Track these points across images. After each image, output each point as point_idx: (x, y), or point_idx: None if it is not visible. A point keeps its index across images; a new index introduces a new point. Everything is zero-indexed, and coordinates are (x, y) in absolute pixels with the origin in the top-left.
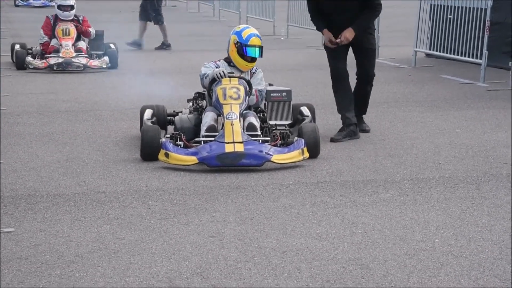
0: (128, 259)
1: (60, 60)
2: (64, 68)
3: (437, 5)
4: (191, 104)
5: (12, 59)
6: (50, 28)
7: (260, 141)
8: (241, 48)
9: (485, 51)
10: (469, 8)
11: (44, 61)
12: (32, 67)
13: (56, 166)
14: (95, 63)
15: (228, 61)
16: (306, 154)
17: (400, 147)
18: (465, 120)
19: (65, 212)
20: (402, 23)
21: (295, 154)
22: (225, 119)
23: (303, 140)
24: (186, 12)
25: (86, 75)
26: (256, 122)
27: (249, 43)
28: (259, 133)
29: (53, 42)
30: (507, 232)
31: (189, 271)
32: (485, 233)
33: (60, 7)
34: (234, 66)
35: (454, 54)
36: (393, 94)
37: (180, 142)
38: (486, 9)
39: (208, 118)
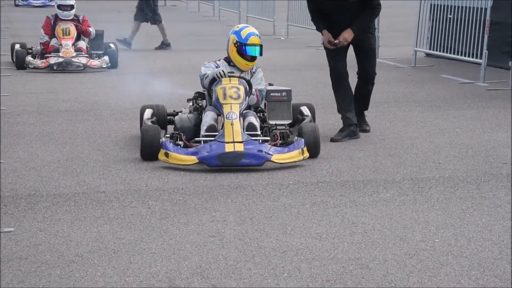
0: (128, 259)
1: (60, 59)
2: (64, 67)
3: (437, 4)
4: (191, 103)
5: (12, 59)
6: (50, 27)
7: (260, 140)
8: (241, 47)
9: (485, 51)
10: (469, 7)
11: (44, 60)
12: (32, 66)
13: (56, 166)
14: (95, 62)
15: (228, 60)
16: (306, 154)
17: (400, 147)
18: (465, 120)
19: (65, 212)
20: (402, 22)
21: (295, 154)
22: (225, 118)
23: (303, 140)
24: (186, 12)
25: (86, 75)
26: (256, 122)
27: (248, 42)
28: (259, 133)
29: (53, 41)
30: (507, 232)
31: (189, 271)
32: (485, 233)
33: (60, 6)
34: (234, 66)
35: (454, 53)
36: (393, 94)
37: (180, 142)
38: (486, 9)
39: (208, 117)
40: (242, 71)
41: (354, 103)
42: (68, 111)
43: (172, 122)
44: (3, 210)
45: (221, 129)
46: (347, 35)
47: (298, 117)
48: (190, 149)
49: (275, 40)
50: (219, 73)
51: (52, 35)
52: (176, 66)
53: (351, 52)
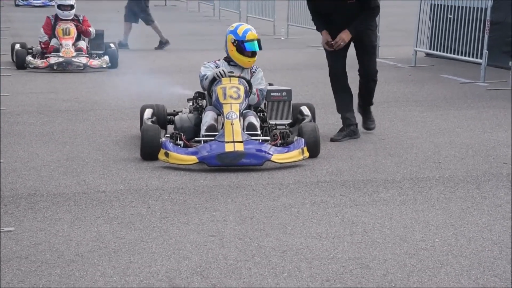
0: (128, 259)
1: (60, 59)
2: (64, 67)
3: (437, 4)
4: (191, 103)
5: (12, 59)
6: (51, 27)
7: (260, 140)
8: (240, 45)
9: (485, 51)
10: (469, 7)
11: (44, 60)
12: (32, 66)
13: (56, 166)
14: (95, 62)
15: (228, 60)
16: (306, 154)
17: (400, 146)
18: (465, 120)
19: (65, 212)
20: (402, 22)
21: (295, 154)
22: (225, 118)
23: (303, 139)
24: (186, 12)
25: (86, 75)
26: (256, 122)
27: (246, 38)
28: (259, 132)
29: (53, 41)
30: (507, 231)
31: (189, 271)
32: (485, 233)
33: (60, 6)
34: (234, 65)
35: (454, 53)
36: (393, 94)
37: (180, 142)
38: (486, 9)
39: (208, 117)
40: (243, 70)
41: (359, 98)
42: (68, 110)
43: (172, 122)
44: (3, 209)
45: (221, 129)
46: (344, 35)
47: (298, 117)
48: (190, 149)
49: (275, 40)
50: (219, 72)
51: (52, 35)
52: (176, 66)
53: (351, 52)
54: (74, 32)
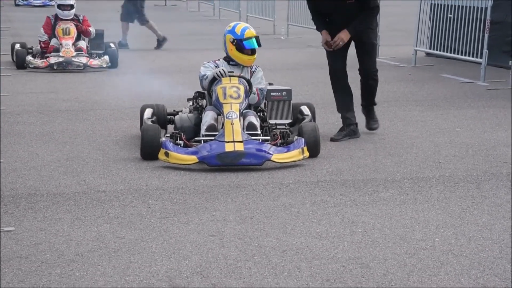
0: (128, 258)
1: (60, 59)
2: (64, 67)
3: (437, 4)
4: (191, 103)
5: (12, 59)
6: (51, 27)
7: (260, 140)
8: (239, 43)
9: (485, 50)
10: (469, 7)
11: (44, 60)
12: (32, 66)
13: (56, 165)
14: (95, 62)
15: (227, 60)
16: (306, 153)
17: (400, 146)
18: (465, 119)
19: (65, 211)
20: (402, 22)
21: (295, 153)
22: (225, 118)
23: (303, 139)
24: (186, 11)
25: (86, 74)
26: (256, 121)
27: (245, 36)
28: (259, 132)
29: (53, 41)
30: (507, 231)
31: (189, 270)
32: (485, 232)
33: (60, 6)
34: (233, 65)
35: (454, 53)
36: (393, 93)
37: (180, 141)
38: (486, 8)
39: (208, 117)
40: (242, 69)
41: (361, 99)
42: (68, 110)
43: (172, 121)
44: (4, 209)
45: (221, 128)
46: (343, 35)
47: (298, 117)
48: (190, 149)
49: (275, 40)
50: (219, 72)
51: (52, 34)
52: (176, 66)
53: (352, 52)
54: (74, 32)
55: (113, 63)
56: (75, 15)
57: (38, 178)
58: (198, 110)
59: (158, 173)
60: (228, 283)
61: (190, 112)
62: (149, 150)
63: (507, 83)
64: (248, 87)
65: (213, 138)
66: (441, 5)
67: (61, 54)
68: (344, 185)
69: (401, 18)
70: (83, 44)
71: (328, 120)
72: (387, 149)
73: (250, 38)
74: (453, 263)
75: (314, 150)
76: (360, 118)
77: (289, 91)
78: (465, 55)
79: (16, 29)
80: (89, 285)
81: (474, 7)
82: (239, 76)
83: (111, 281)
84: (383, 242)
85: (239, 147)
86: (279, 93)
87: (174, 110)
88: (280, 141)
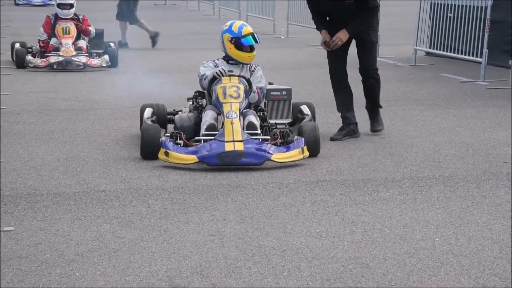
0: (128, 258)
1: (60, 58)
2: (64, 66)
3: (437, 3)
4: (191, 102)
5: (12, 58)
6: (51, 26)
7: (260, 139)
8: (238, 41)
9: (485, 50)
10: (469, 6)
11: (44, 59)
12: (32, 65)
13: (56, 165)
14: (95, 61)
15: (227, 59)
16: (306, 153)
17: (400, 145)
18: (465, 119)
19: (65, 211)
20: (402, 21)
21: (295, 153)
22: (225, 118)
23: (303, 139)
24: (186, 11)
25: (86, 74)
26: (256, 121)
27: (243, 34)
28: (259, 132)
29: (53, 41)
30: (507, 230)
31: (189, 270)
32: (485, 232)
33: (59, 5)
34: (233, 64)
35: (454, 52)
36: (393, 93)
37: (180, 141)
38: (486, 8)
39: (208, 117)
40: (242, 68)
41: (366, 101)
42: (68, 110)
43: (172, 121)
44: (3, 209)
45: (221, 128)
46: (342, 35)
47: (298, 116)
48: (190, 148)
49: (275, 39)
50: (219, 71)
51: (52, 34)
52: (176, 65)
53: (352, 52)
54: (74, 31)
55: (113, 63)
56: (75, 14)
57: (38, 178)
58: (198, 110)
59: (158, 172)
60: (228, 283)
61: (190, 111)
62: (149, 150)
63: (507, 82)
64: (248, 86)
65: (213, 137)
66: (441, 4)
67: (61, 53)
68: (344, 184)
69: (401, 17)
70: (83, 43)
71: (328, 119)
72: (387, 149)
73: (247, 35)
74: (453, 262)
75: (314, 149)
76: (360, 118)
77: (289, 91)
78: (465, 55)
79: (16, 29)
80: (89, 285)
81: (474, 7)
82: (239, 76)
83: (111, 281)
84: (383, 242)
85: (239, 146)
86: (279, 93)
87: (174, 110)
88: (280, 140)
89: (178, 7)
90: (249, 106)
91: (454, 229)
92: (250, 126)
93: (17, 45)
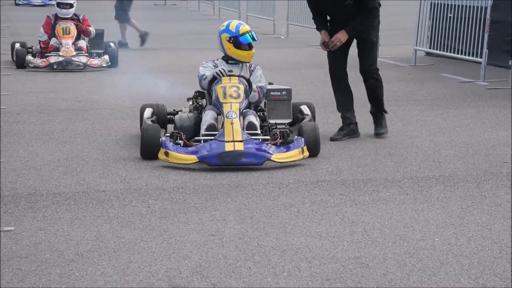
0: (128, 258)
1: (60, 59)
2: (64, 67)
3: (437, 3)
4: (191, 102)
5: (12, 58)
6: (51, 27)
7: (260, 140)
8: (236, 40)
9: (485, 50)
10: (469, 6)
11: (44, 60)
12: (32, 65)
13: (56, 165)
14: (95, 61)
15: (226, 59)
16: (306, 153)
17: (400, 145)
18: (465, 119)
19: (65, 211)
20: (402, 21)
21: (295, 153)
22: (225, 118)
23: (303, 139)
24: (186, 11)
25: (86, 74)
26: (256, 121)
27: (240, 33)
28: (259, 132)
29: (53, 41)
30: (507, 231)
31: (189, 270)
32: (485, 232)
33: (59, 4)
34: (232, 64)
35: (454, 52)
36: (393, 93)
37: (180, 141)
38: (486, 8)
39: (208, 117)
40: (242, 68)
41: (370, 104)
42: (68, 110)
43: (172, 121)
44: (3, 209)
45: (221, 128)
46: (340, 36)
47: (298, 116)
48: (190, 148)
49: (275, 39)
50: (219, 71)
51: (52, 34)
52: (176, 65)
53: (353, 52)
54: (74, 31)
55: (113, 63)
56: (75, 14)
57: (38, 178)
58: (198, 110)
59: (158, 172)
60: (228, 283)
61: (190, 111)
62: (149, 150)
63: (507, 82)
64: (248, 86)
65: (213, 137)
66: (441, 4)
67: (61, 53)
68: (344, 184)
69: (401, 17)
70: (83, 43)
71: (328, 119)
72: (387, 149)
73: (245, 33)
74: (452, 263)
75: (314, 149)
76: (360, 118)
77: (289, 91)
78: (465, 55)
79: (16, 29)
80: (89, 285)
81: (474, 7)
82: (239, 76)
83: (111, 280)
84: (383, 242)
85: (239, 146)
86: (279, 93)
87: (174, 110)
88: (280, 140)
89: (178, 7)
90: (249, 106)
91: (454, 229)
92: (250, 126)
93: (17, 45)
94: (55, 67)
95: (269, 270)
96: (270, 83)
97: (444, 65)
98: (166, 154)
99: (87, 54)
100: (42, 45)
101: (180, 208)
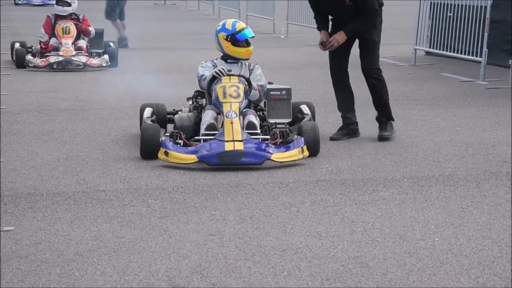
0: (128, 258)
1: (60, 58)
2: (64, 66)
3: (437, 3)
4: (190, 102)
5: (12, 58)
6: (51, 26)
7: (260, 139)
8: (233, 38)
9: (485, 49)
10: (469, 6)
11: (44, 59)
12: (32, 65)
13: (56, 165)
14: (95, 61)
15: (225, 59)
16: (306, 153)
17: (400, 145)
18: (465, 118)
19: (65, 211)
20: (402, 21)
21: (295, 153)
22: (225, 117)
23: (302, 138)
24: (186, 11)
25: (86, 74)
26: (255, 121)
27: (237, 30)
28: (258, 131)
29: (53, 41)
30: (507, 230)
31: (188, 270)
32: (485, 232)
33: (58, 2)
34: (231, 63)
35: (454, 52)
36: (393, 92)
37: (179, 141)
38: (486, 7)
39: (208, 116)
40: (242, 66)
41: (375, 109)
42: (68, 109)
43: (172, 120)
44: (3, 209)
45: (221, 127)
46: (339, 37)
47: (298, 116)
48: (190, 148)
49: (275, 39)
50: (219, 70)
51: (52, 34)
52: (176, 65)
53: (355, 52)
54: (73, 31)
55: (113, 62)
56: (74, 14)
57: (37, 178)
58: (198, 109)
59: (157, 172)
60: (228, 282)
61: (189, 111)
62: (149, 150)
63: (506, 82)
64: (247, 86)
65: (212, 137)
66: (440, 4)
67: (60, 53)
68: (344, 184)
69: (401, 17)
70: (82, 43)
71: (328, 119)
72: (387, 148)
73: (242, 30)
74: (452, 262)
75: (313, 149)
76: (360, 118)
77: (288, 90)
78: (464, 54)
79: (16, 28)
80: (89, 284)
81: (473, 6)
82: (239, 75)
83: (111, 280)
84: (383, 242)
85: (239, 146)
86: (279, 92)
87: (173, 109)
88: (280, 140)
89: (178, 7)
90: (248, 105)
91: (454, 229)
92: (250, 125)
93: (17, 45)
94: (54, 66)
95: (269, 270)
96: (269, 83)
97: (444, 64)
98: (166, 153)
99: (87, 54)
100: (43, 46)
101: (180, 207)
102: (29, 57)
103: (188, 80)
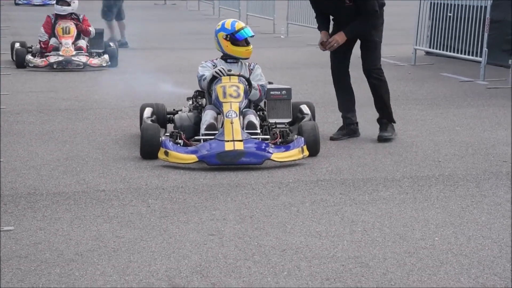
0: (128, 258)
1: (60, 58)
2: (64, 66)
3: (437, 3)
4: (190, 102)
5: (12, 58)
6: (51, 26)
7: (260, 139)
8: (233, 37)
9: (485, 49)
10: (469, 6)
11: (44, 59)
12: (32, 65)
13: (56, 165)
14: (95, 61)
15: (225, 59)
16: (306, 152)
17: (400, 145)
18: (465, 118)
19: (64, 211)
20: (402, 21)
21: (295, 152)
22: (225, 117)
23: (302, 138)
24: (186, 11)
25: (86, 74)
26: (256, 120)
27: (236, 29)
28: (258, 131)
29: (53, 41)
30: (507, 230)
31: (188, 270)
32: (485, 231)
33: (57, 1)
34: (231, 63)
35: (454, 52)
36: (392, 92)
37: (180, 141)
38: (486, 7)
39: (208, 116)
40: (242, 66)
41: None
42: (68, 109)
43: (172, 120)
44: (3, 208)
45: (221, 127)
46: (338, 37)
47: (298, 116)
48: (190, 148)
49: (275, 39)
50: (219, 70)
51: (52, 34)
52: (176, 65)
53: (356, 52)
54: (74, 31)
55: (113, 62)
56: (75, 14)
57: (37, 177)
58: (198, 109)
59: (157, 172)
60: (228, 282)
61: (189, 111)
62: (149, 149)
63: (506, 82)
64: (248, 86)
65: (212, 137)
66: (440, 4)
67: (61, 53)
68: (344, 184)
69: (401, 17)
70: (82, 43)
71: (328, 119)
72: (387, 148)
73: (241, 29)
74: (452, 262)
75: (313, 149)
76: (361, 118)
77: (288, 90)
78: (464, 54)
79: (16, 28)
80: (89, 284)
81: (473, 6)
82: (239, 75)
83: (111, 280)
84: (383, 241)
85: (239, 146)
86: (279, 92)
87: (173, 109)
88: (280, 140)
89: (178, 7)
90: (248, 105)
91: (454, 229)
92: (250, 125)
93: (17, 45)
94: (55, 66)
95: (269, 270)
96: (270, 83)
97: (444, 64)
98: (166, 153)
99: (87, 54)
100: (43, 45)
101: (180, 207)
102: (29, 57)
103: (188, 80)
